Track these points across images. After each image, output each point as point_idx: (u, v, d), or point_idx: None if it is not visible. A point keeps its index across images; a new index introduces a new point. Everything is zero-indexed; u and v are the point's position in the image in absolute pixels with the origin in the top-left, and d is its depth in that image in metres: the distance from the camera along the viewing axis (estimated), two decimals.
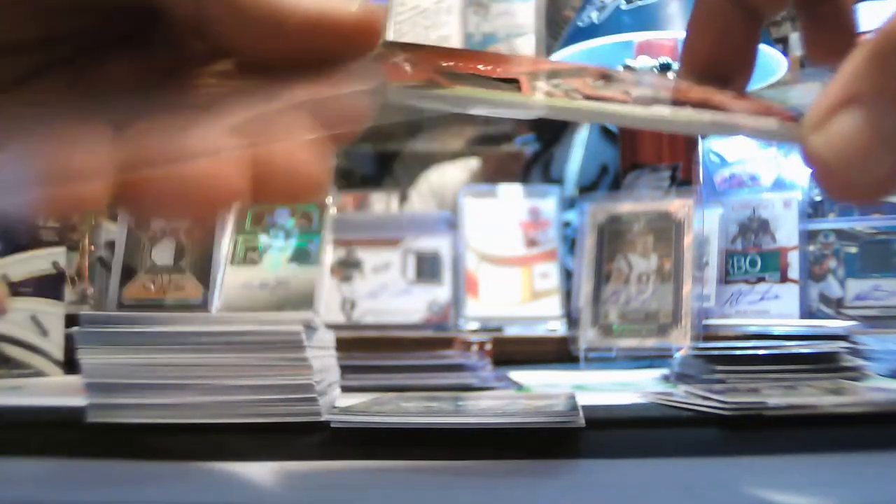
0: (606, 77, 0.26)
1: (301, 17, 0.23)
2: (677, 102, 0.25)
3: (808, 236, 0.86)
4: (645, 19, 0.97)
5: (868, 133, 0.22)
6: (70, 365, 0.71)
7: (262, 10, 0.23)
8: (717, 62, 0.30)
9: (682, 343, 0.75)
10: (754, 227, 0.89)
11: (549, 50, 1.18)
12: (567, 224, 1.09)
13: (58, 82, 0.24)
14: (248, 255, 0.51)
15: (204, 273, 0.49)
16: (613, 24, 0.98)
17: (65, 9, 0.23)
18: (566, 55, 1.04)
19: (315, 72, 0.23)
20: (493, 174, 1.40)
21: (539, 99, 0.23)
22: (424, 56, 0.25)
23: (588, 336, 0.81)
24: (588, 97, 0.24)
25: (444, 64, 0.24)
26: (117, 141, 0.20)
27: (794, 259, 0.86)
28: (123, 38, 0.25)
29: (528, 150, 1.40)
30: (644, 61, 0.99)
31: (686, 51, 0.30)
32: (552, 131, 1.35)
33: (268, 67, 0.23)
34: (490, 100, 0.23)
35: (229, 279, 0.50)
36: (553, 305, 0.99)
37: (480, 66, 0.25)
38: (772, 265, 0.87)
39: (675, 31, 0.97)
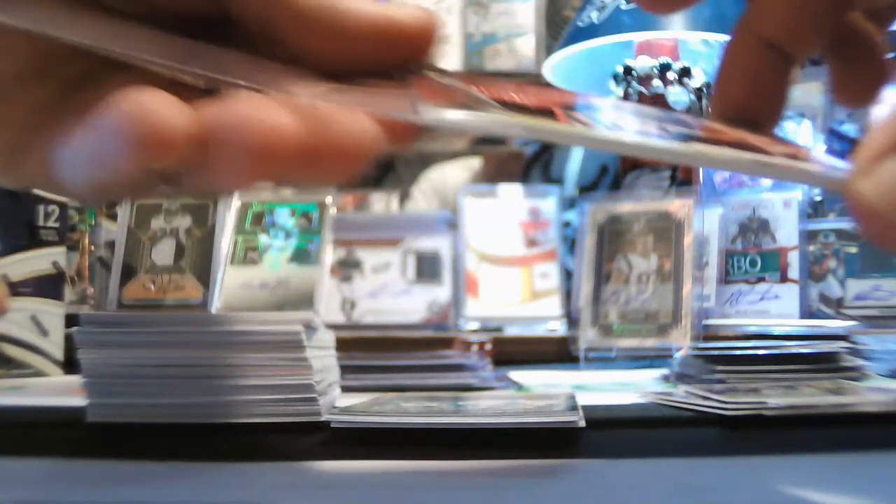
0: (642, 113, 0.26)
1: (360, 22, 0.23)
2: (713, 142, 0.25)
3: (808, 236, 0.86)
4: (645, 19, 0.97)
5: None
6: (70, 365, 0.71)
7: (322, 15, 0.23)
8: (748, 105, 0.29)
9: (682, 343, 0.75)
10: (754, 227, 0.90)
11: (549, 50, 1.18)
12: (567, 224, 1.09)
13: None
14: (248, 255, 0.51)
15: (204, 273, 0.49)
16: (613, 24, 0.98)
17: (144, 13, 0.24)
18: (566, 55, 1.04)
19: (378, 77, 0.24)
20: (493, 174, 1.40)
21: (580, 130, 0.22)
22: (458, 79, 0.25)
23: (588, 336, 0.81)
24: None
25: (477, 89, 0.24)
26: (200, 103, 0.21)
27: (794, 259, 0.86)
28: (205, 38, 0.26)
29: (528, 150, 1.40)
30: (644, 61, 0.99)
31: (716, 93, 0.30)
32: None
33: (334, 73, 0.24)
34: (529, 127, 0.22)
35: (229, 279, 0.50)
36: (553, 305, 0.99)
37: (514, 95, 0.24)
38: (772, 265, 0.87)
39: (675, 31, 0.97)
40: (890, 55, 0.30)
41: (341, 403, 0.43)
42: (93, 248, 0.89)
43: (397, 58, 0.24)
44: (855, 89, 0.30)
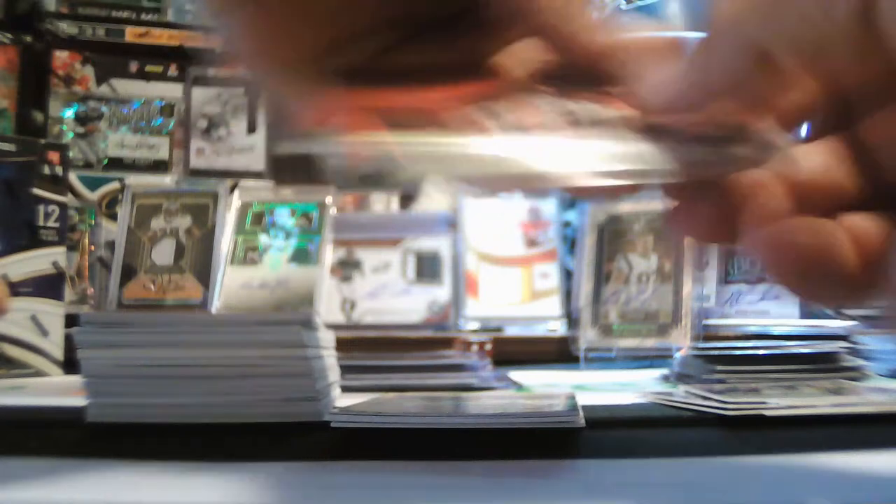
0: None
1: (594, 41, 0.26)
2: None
3: None
4: (645, 19, 0.97)
5: None
6: (70, 365, 0.71)
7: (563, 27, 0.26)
8: None
9: (682, 343, 0.75)
10: None
11: None
12: (567, 224, 1.09)
13: (406, 57, 0.28)
14: (248, 255, 0.51)
15: (204, 273, 0.49)
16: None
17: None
18: None
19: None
20: None
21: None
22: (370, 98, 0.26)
23: (588, 336, 0.81)
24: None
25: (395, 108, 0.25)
26: None
27: None
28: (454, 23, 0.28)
29: None
30: None
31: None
32: None
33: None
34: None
35: (229, 279, 0.50)
36: (553, 305, 0.99)
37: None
38: None
39: (675, 31, 0.97)
40: None
41: (341, 403, 0.43)
42: (93, 248, 0.89)
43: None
44: None
